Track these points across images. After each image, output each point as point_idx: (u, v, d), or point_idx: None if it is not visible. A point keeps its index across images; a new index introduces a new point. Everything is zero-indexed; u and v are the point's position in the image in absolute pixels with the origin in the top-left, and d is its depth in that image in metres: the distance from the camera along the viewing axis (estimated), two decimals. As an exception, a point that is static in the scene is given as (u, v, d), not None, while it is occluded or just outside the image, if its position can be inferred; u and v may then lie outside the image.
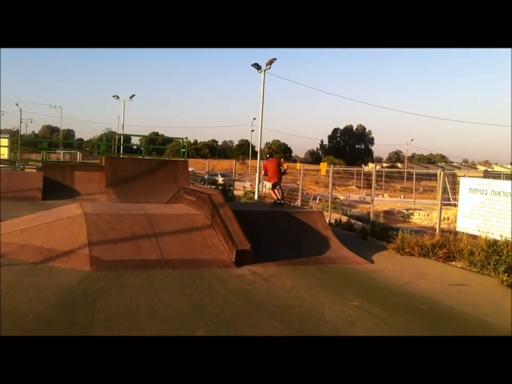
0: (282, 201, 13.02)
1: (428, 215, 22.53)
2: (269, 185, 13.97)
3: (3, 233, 9.10)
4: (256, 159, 27.84)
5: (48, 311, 5.79)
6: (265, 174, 13.63)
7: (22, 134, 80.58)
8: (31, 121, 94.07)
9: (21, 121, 79.93)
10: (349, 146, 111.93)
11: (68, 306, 5.98)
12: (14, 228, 9.34)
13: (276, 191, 13.15)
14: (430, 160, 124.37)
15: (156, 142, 63.08)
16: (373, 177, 16.01)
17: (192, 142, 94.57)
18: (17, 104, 78.65)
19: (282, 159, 13.99)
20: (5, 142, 33.75)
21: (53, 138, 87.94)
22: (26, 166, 28.46)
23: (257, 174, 25.94)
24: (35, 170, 24.15)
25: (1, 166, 27.08)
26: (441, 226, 12.09)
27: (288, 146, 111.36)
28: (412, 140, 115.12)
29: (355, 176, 39.44)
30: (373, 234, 13.39)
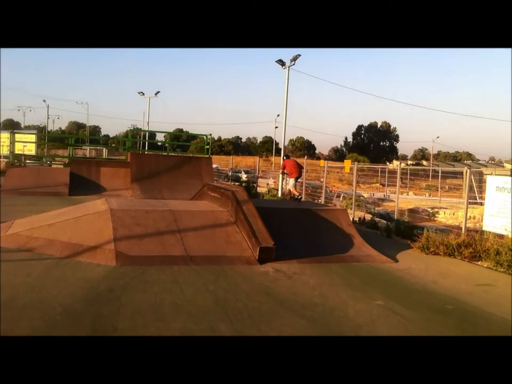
0: (299, 197, 14.46)
1: (453, 214, 22.22)
2: (291, 182, 14.67)
3: (31, 228, 9.31)
4: (280, 156, 27.81)
5: (75, 304, 5.90)
6: (283, 173, 15.94)
7: (49, 130, 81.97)
8: (58, 118, 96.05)
9: (48, 118, 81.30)
10: (373, 144, 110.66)
11: (93, 300, 6.08)
12: (41, 223, 9.53)
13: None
14: (456, 157, 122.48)
15: (180, 139, 63.50)
16: (398, 175, 15.87)
17: (216, 139, 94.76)
18: (44, 101, 79.79)
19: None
20: (32, 138, 34.39)
21: (79, 134, 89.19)
22: (53, 162, 29.01)
23: (281, 171, 25.89)
24: (62, 166, 24.65)
25: (29, 161, 27.69)
26: (467, 225, 11.93)
27: (312, 143, 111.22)
28: (438, 137, 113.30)
29: (379, 174, 39.11)
30: (398, 232, 13.29)
